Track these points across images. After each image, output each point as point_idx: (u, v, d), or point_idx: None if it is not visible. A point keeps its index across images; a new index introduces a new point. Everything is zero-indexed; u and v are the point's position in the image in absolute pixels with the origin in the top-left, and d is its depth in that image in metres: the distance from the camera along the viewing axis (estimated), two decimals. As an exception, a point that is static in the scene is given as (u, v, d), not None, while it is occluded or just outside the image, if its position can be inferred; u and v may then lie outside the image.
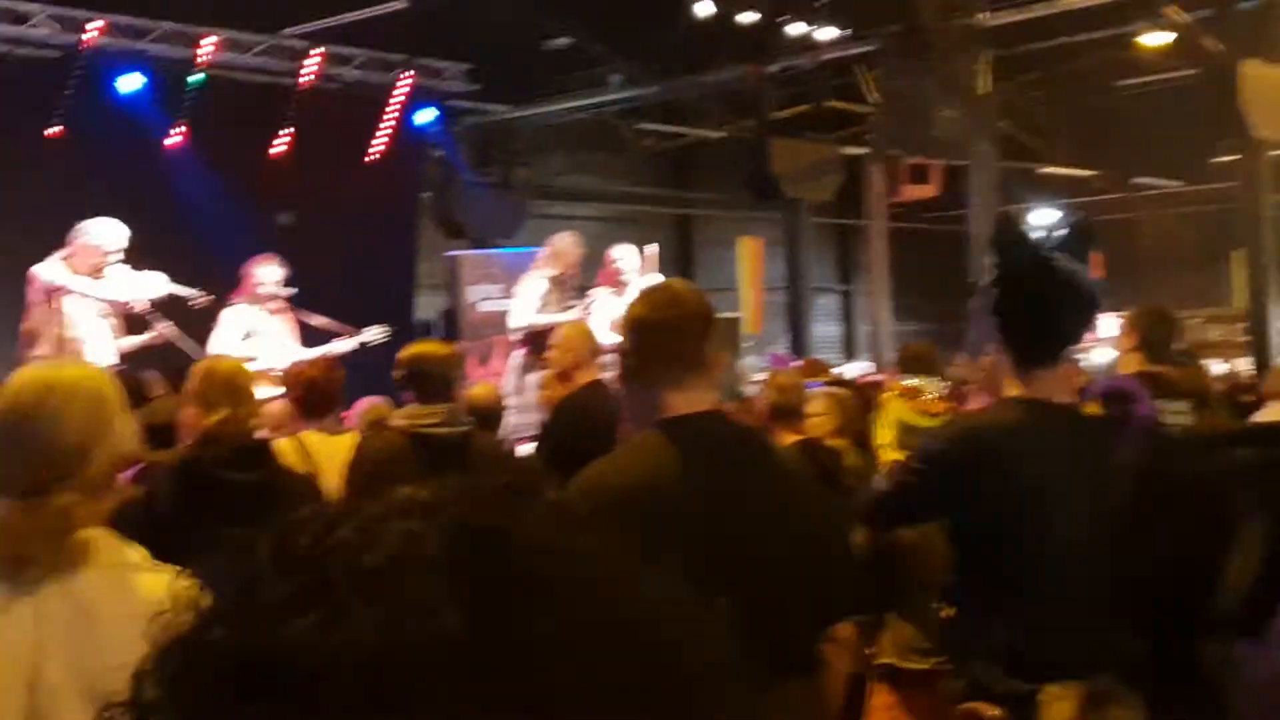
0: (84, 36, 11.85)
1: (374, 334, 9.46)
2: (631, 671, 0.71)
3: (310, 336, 9.31)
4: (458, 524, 0.74)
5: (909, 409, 4.46)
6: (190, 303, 8.64)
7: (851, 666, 3.30)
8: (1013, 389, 3.06)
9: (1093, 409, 4.02)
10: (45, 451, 2.35)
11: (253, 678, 0.68)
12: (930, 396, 4.44)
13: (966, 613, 3.08)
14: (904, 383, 4.50)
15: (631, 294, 9.54)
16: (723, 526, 2.63)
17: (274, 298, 8.90)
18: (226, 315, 8.82)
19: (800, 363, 9.52)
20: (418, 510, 0.75)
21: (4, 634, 2.29)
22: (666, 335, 2.78)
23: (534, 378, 9.23)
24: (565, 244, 9.87)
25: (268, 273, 8.92)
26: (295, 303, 9.17)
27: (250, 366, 8.41)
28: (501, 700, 0.68)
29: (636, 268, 9.81)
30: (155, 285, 8.42)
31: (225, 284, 10.32)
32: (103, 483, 2.42)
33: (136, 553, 2.47)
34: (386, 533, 0.73)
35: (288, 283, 9.03)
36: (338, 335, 9.27)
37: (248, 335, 8.89)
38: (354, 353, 9.12)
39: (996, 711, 2.82)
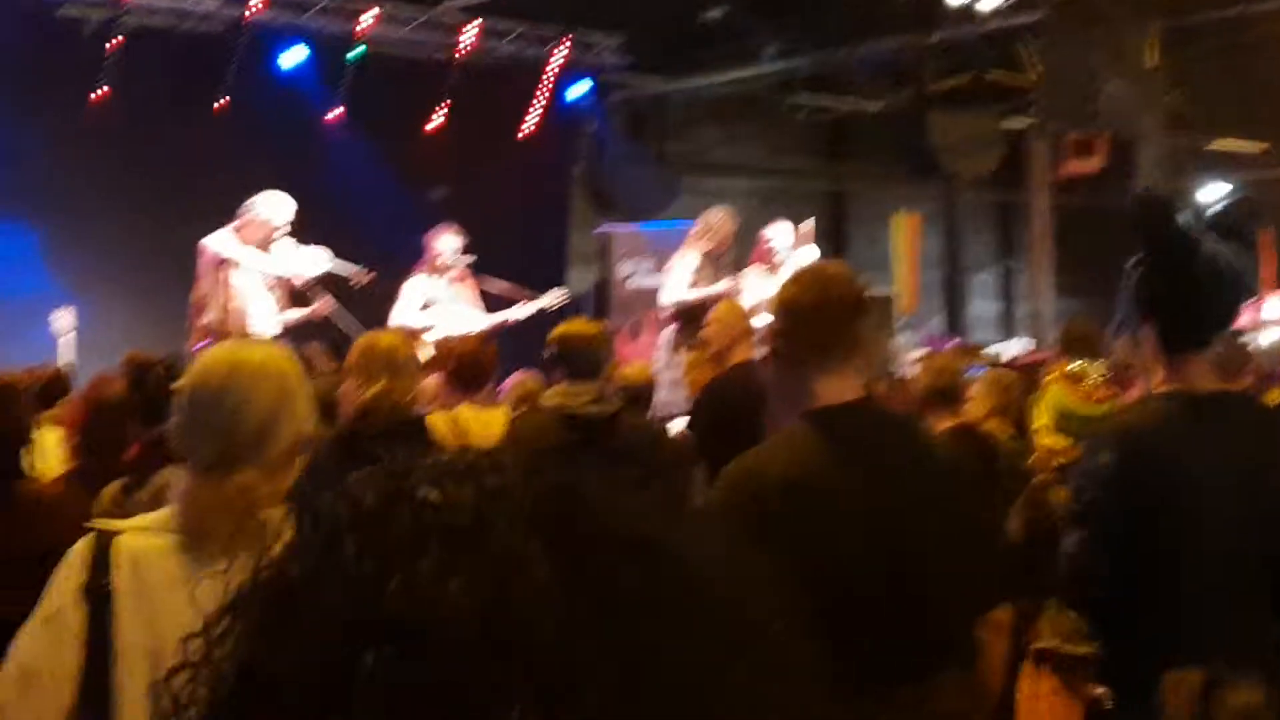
0: (247, 11, 12.08)
1: (553, 298, 9.71)
2: (704, 629, 0.74)
3: (491, 304, 9.52)
4: (540, 480, 0.78)
5: (1070, 394, 4.29)
6: (350, 281, 8.79)
7: (1008, 651, 3.21)
8: (1159, 377, 2.91)
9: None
10: (230, 429, 2.39)
11: (363, 631, 0.71)
12: (1093, 382, 4.27)
13: (1114, 601, 2.95)
14: (1067, 367, 4.34)
15: (785, 273, 9.59)
16: (877, 519, 2.59)
17: (452, 267, 9.14)
18: (406, 286, 9.12)
19: (955, 343, 9.34)
20: (491, 468, 0.79)
21: (181, 606, 2.31)
22: (816, 318, 2.71)
23: (684, 355, 9.22)
24: (718, 219, 9.80)
25: (446, 242, 9.21)
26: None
27: (426, 336, 8.69)
28: (588, 651, 0.71)
29: (790, 246, 9.72)
30: (318, 261, 8.58)
31: (380, 257, 10.49)
32: (283, 462, 2.45)
33: None
34: (475, 487, 0.77)
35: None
36: (517, 301, 9.49)
37: (426, 305, 9.15)
38: (506, 327, 9.29)
39: (1100, 691, 2.75)
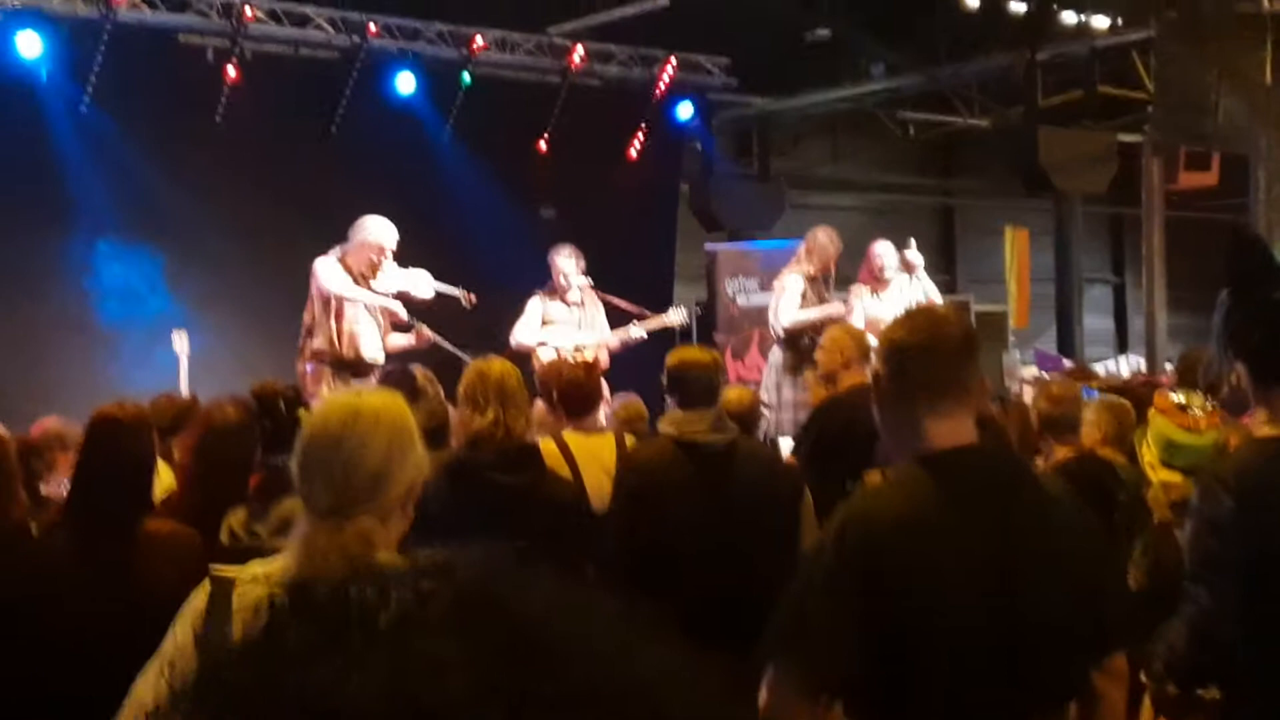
0: (361, 38, 12.31)
1: (679, 315, 9.82)
2: None
3: (614, 321, 9.64)
4: (469, 587, 0.80)
5: (1174, 425, 4.23)
6: (461, 303, 8.90)
7: (1126, 696, 3.17)
8: (1261, 415, 2.87)
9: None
10: (348, 475, 2.43)
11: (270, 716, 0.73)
12: (1197, 413, 4.21)
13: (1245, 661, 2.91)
14: (1172, 399, 4.28)
15: (893, 290, 9.57)
16: (992, 565, 2.57)
17: (571, 287, 9.27)
18: (529, 305, 9.26)
19: (1068, 366, 9.21)
20: (434, 571, 0.81)
21: None
22: (926, 360, 2.69)
23: (792, 376, 9.23)
24: (821, 241, 9.80)
25: (565, 262, 9.29)
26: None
27: (543, 354, 8.80)
28: None
29: (897, 264, 9.71)
30: (420, 285, 8.68)
31: (491, 276, 10.61)
32: (398, 508, 2.48)
33: None
34: (404, 591, 0.79)
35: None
36: (641, 318, 9.61)
37: (545, 323, 9.28)
38: (630, 345, 9.40)
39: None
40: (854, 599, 2.48)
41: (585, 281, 9.45)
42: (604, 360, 9.38)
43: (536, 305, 9.43)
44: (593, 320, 9.56)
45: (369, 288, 8.44)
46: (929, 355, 2.68)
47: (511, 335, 9.31)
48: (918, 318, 2.83)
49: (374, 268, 8.45)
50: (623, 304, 9.75)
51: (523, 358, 8.78)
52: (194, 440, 4.43)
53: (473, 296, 8.93)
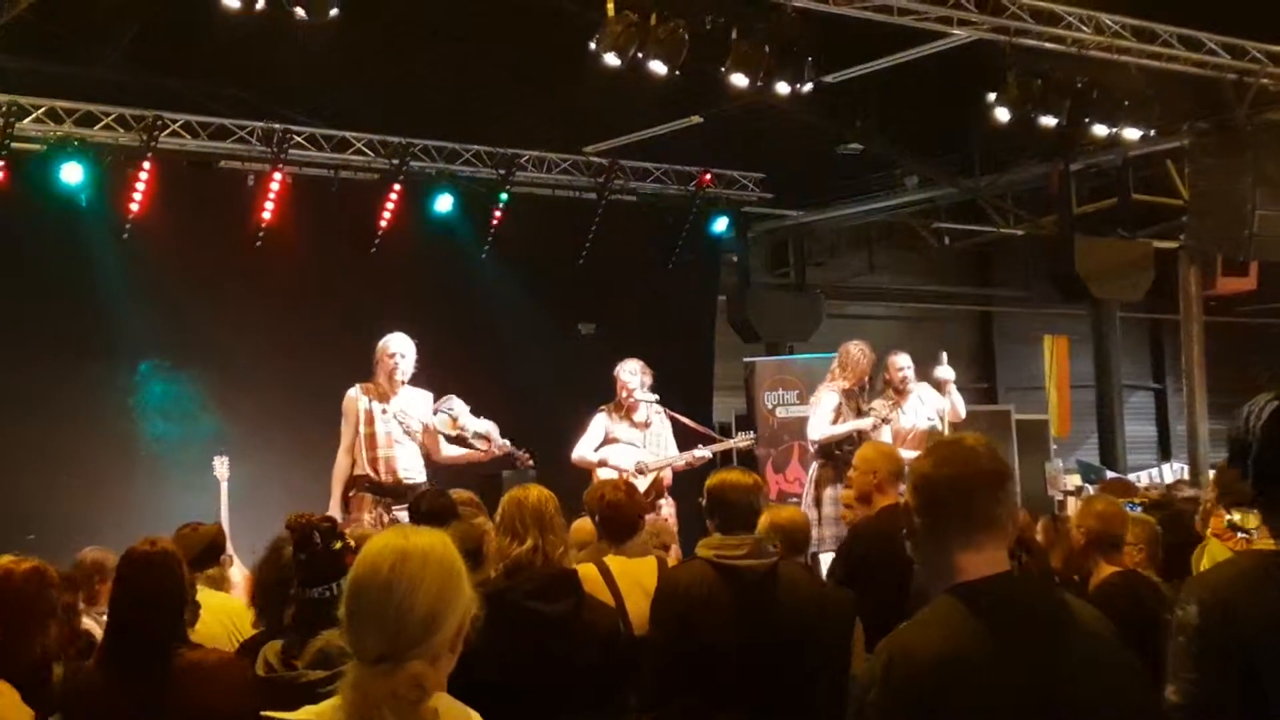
0: (402, 161, 12.50)
1: (744, 440, 9.88)
2: None
3: (682, 440, 9.66)
4: None
5: (1227, 549, 4.16)
6: (517, 462, 8.82)
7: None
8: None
9: None
10: (400, 620, 2.39)
11: None
12: (1248, 536, 4.13)
13: None
14: (1226, 520, 4.21)
15: (913, 402, 9.60)
16: (1034, 698, 2.54)
17: (639, 402, 9.25)
18: (593, 421, 9.27)
19: (1113, 479, 9.15)
20: None
21: None
22: (957, 495, 2.69)
23: (832, 490, 9.20)
24: (854, 354, 9.85)
25: (631, 377, 9.29)
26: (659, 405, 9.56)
27: (603, 472, 8.78)
28: None
29: (913, 375, 9.81)
30: (494, 435, 8.61)
31: (531, 394, 10.60)
32: (448, 648, 2.46)
33: (476, 718, 2.52)
34: None
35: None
36: (709, 439, 9.64)
37: (609, 441, 9.26)
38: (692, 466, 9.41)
39: None
40: None
41: (652, 398, 9.41)
42: (667, 478, 9.37)
43: (600, 421, 9.40)
44: (659, 439, 9.50)
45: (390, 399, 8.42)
46: (960, 489, 2.67)
47: (574, 451, 9.30)
48: (946, 451, 2.81)
49: (390, 376, 8.42)
50: (691, 424, 9.74)
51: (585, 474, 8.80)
52: (257, 583, 4.51)
53: (530, 460, 8.86)
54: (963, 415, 10.13)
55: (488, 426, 8.56)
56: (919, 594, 4.67)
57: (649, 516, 7.54)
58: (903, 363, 9.89)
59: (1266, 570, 2.70)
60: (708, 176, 14.11)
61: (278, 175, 11.88)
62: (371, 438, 8.34)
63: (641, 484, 8.92)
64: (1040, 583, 3.29)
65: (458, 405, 8.53)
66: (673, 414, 9.61)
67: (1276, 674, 2.60)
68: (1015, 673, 2.54)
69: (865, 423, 9.53)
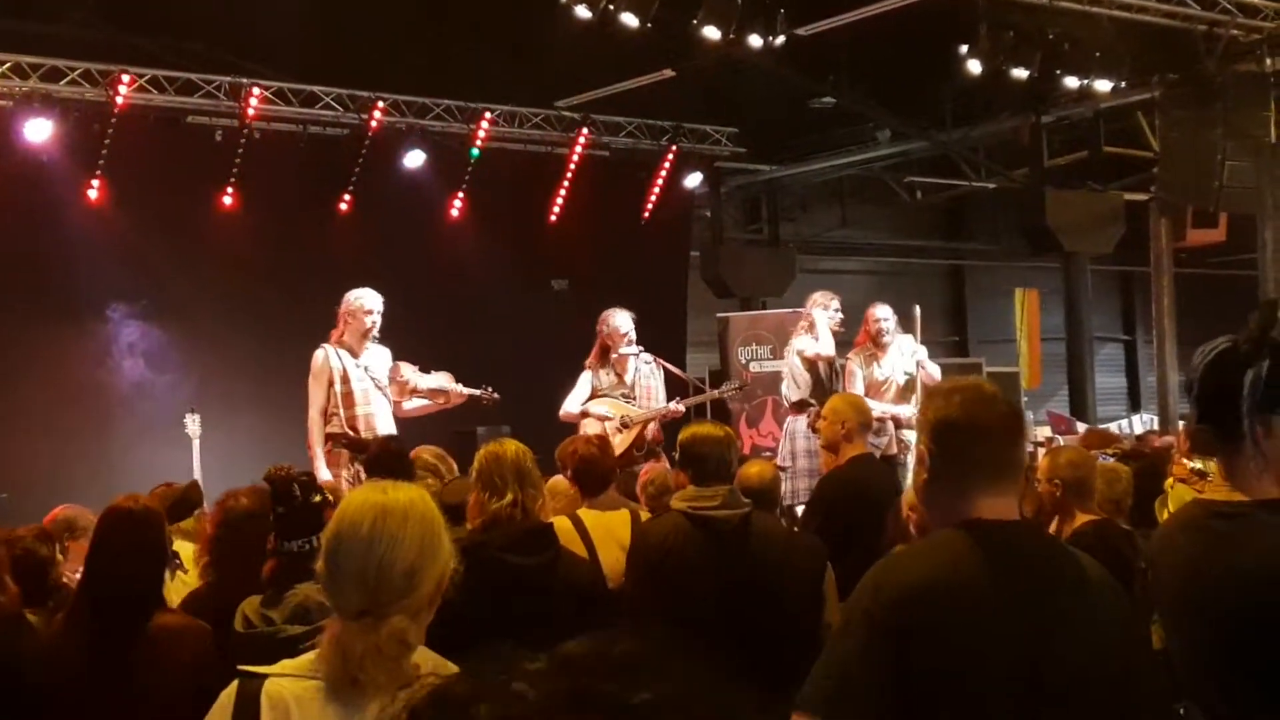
0: (370, 116, 12.41)
1: (729, 387, 9.85)
2: None
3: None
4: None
5: (1193, 492, 4.19)
6: (482, 400, 8.78)
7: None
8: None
9: None
10: (381, 575, 2.40)
11: None
12: (1215, 479, 4.16)
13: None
14: (1189, 466, 4.22)
15: (892, 353, 9.56)
16: (1025, 632, 2.52)
17: (632, 344, 9.18)
18: (581, 377, 9.18)
19: (1085, 430, 9.19)
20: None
21: None
22: (976, 437, 2.65)
23: (806, 444, 9.20)
24: (821, 302, 9.81)
25: (623, 318, 9.19)
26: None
27: (586, 424, 8.75)
28: None
29: (895, 328, 9.65)
30: (450, 388, 8.59)
31: (504, 350, 10.57)
32: (428, 603, 2.47)
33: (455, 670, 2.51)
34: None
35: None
36: (696, 389, 9.62)
37: (593, 395, 9.19)
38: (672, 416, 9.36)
39: None
40: (888, 656, 2.45)
41: (639, 349, 9.28)
42: (652, 430, 9.24)
43: (587, 377, 9.31)
44: (649, 391, 9.44)
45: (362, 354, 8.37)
46: (980, 432, 2.64)
47: (561, 407, 9.24)
48: (965, 394, 2.75)
49: (365, 333, 8.36)
50: (679, 372, 9.66)
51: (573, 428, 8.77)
52: (212, 534, 4.48)
53: (495, 395, 8.82)
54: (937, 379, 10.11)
55: (440, 380, 8.54)
56: (898, 539, 4.68)
57: (657, 466, 7.53)
58: (881, 314, 9.77)
59: (1196, 521, 2.67)
60: (679, 137, 14.06)
61: (245, 131, 11.80)
62: (349, 395, 8.27)
63: (628, 439, 8.90)
64: (1052, 537, 3.28)
65: (406, 369, 8.49)
66: (665, 364, 9.50)
67: (1196, 624, 2.58)
68: (1009, 608, 2.50)
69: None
